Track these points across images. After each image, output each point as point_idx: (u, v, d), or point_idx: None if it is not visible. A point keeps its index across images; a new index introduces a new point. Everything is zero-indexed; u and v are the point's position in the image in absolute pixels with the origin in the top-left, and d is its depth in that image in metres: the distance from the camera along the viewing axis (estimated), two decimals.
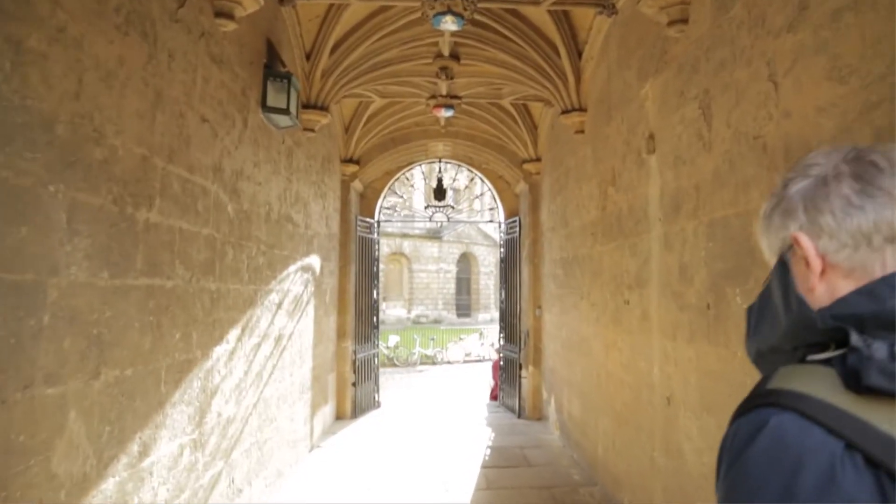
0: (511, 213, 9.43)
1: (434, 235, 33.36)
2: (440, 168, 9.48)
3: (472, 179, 9.64)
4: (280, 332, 5.02)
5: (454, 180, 9.53)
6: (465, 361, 18.73)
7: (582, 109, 6.03)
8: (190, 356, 3.18)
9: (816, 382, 0.57)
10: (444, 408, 9.46)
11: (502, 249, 9.42)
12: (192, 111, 3.21)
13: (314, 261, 6.40)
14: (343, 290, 8.10)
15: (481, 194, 10.19)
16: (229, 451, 3.81)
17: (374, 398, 9.00)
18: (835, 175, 0.66)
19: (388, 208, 9.28)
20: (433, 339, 19.59)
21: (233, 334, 3.86)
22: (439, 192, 9.42)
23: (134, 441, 2.58)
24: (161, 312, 2.85)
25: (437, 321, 32.01)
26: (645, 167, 4.30)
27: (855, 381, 0.54)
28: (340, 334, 8.03)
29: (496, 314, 36.87)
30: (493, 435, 7.40)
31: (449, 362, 18.43)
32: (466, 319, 33.86)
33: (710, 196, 3.26)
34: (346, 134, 8.00)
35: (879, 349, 0.54)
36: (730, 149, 2.99)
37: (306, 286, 5.99)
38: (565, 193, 6.89)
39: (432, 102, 7.26)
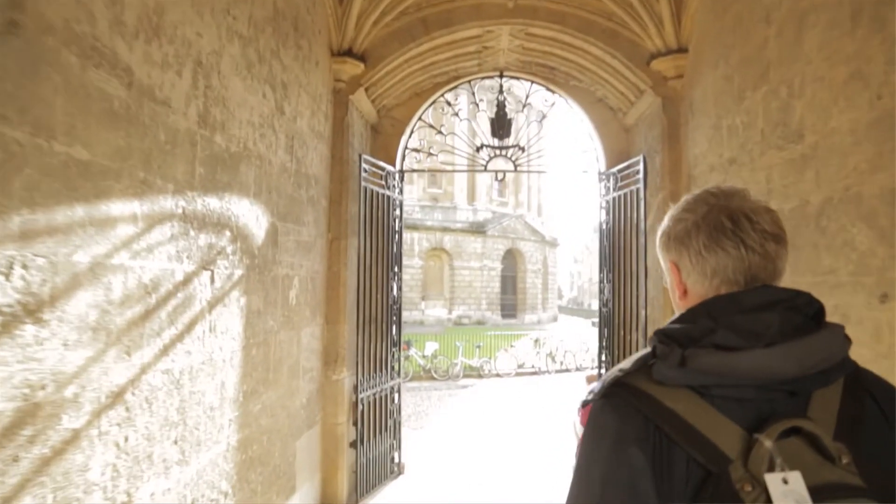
0: (617, 156, 5.74)
1: (477, 229, 30.98)
2: (501, 87, 5.88)
3: (552, 105, 6.01)
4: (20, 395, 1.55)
5: (525, 103, 5.89)
6: (517, 374, 15.30)
7: None
8: None
9: (641, 376, 0.87)
10: (505, 472, 5.88)
11: (605, 215, 5.70)
12: None
13: (245, 212, 2.92)
14: (335, 280, 4.59)
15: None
16: None
17: (393, 460, 5.45)
18: (696, 229, 0.93)
19: (416, 150, 5.73)
20: (479, 347, 15.97)
21: None
22: (500, 125, 5.81)
23: None
24: None
25: (480, 322, 29.42)
26: None
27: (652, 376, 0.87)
28: (328, 359, 4.50)
29: (544, 315, 33.64)
30: None
31: (498, 375, 15.04)
32: (512, 321, 31.28)
33: None
34: (340, 3, 4.49)
35: (673, 356, 0.84)
36: None
37: (210, 267, 2.51)
38: (782, 74, 3.21)
39: None
